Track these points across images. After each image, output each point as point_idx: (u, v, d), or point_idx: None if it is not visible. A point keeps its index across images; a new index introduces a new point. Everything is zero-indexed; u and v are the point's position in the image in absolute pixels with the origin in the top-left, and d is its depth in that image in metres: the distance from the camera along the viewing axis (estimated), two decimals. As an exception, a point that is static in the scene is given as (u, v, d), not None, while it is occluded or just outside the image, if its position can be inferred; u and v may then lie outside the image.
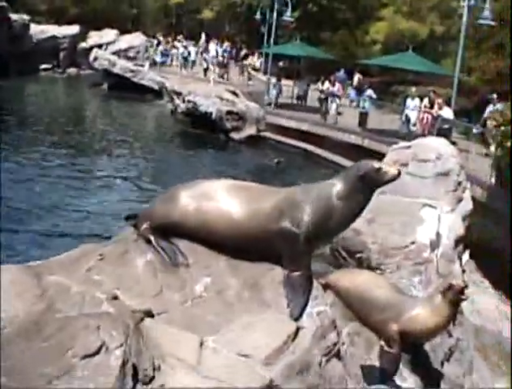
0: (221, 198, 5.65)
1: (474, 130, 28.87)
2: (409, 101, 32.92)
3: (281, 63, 54.20)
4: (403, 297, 7.49)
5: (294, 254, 5.50)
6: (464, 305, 10.77)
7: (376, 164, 5.91)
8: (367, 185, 5.87)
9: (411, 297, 7.66)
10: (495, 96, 30.59)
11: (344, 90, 41.90)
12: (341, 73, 45.86)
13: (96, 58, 52.15)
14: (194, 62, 56.53)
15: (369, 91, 36.18)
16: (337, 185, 5.80)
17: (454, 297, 6.94)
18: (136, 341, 4.24)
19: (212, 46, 60.10)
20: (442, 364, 8.70)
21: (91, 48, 56.31)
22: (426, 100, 32.33)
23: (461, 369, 9.37)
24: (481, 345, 11.59)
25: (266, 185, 6.29)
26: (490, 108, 30.05)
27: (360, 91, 40.14)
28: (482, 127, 28.84)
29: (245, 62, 54.85)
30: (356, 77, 45.35)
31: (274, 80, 42.60)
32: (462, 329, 9.92)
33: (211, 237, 5.62)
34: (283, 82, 43.18)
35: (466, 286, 7.08)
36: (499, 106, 29.17)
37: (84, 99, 49.37)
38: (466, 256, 12.80)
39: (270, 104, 40.62)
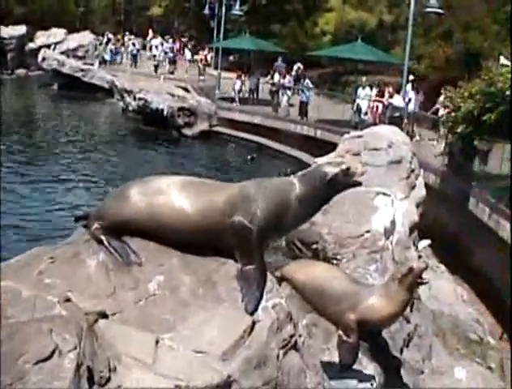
0: (173, 194, 5.56)
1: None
2: (360, 91, 33.10)
3: (231, 57, 54.18)
4: (359, 286, 7.53)
5: (247, 248, 5.45)
6: (421, 290, 10.91)
7: (343, 166, 5.83)
8: (333, 189, 5.86)
9: (366, 286, 7.70)
10: (411, 77, 31.29)
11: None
12: (279, 62, 45.58)
13: (44, 59, 51.70)
14: (164, 62, 55.66)
15: (306, 81, 36.35)
16: (297, 186, 5.74)
17: (414, 280, 6.99)
18: (90, 343, 4.18)
19: (155, 42, 59.82)
20: (401, 350, 8.76)
21: (40, 48, 55.69)
22: (375, 89, 32.66)
23: (420, 354, 9.46)
24: (439, 330, 11.72)
25: (220, 180, 6.25)
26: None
27: (299, 80, 39.96)
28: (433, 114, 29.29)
29: (197, 58, 54.43)
30: (296, 66, 45.00)
31: (232, 75, 42.26)
32: (420, 314, 10.02)
33: (164, 233, 5.53)
34: (233, 75, 43.14)
35: (426, 267, 7.16)
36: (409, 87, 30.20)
37: (34, 100, 48.78)
38: (424, 243, 12.92)
39: (233, 100, 40.20)
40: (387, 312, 7.16)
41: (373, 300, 7.20)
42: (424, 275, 7.10)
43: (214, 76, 46.80)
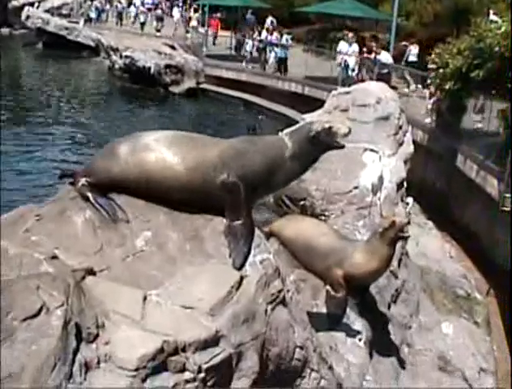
0: (163, 150, 5.48)
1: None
2: (344, 46, 32.23)
3: (218, 14, 53.53)
4: (346, 242, 7.58)
5: (235, 203, 5.44)
6: (409, 246, 10.97)
7: (326, 124, 5.87)
8: (317, 147, 5.87)
9: (353, 242, 7.75)
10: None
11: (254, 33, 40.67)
12: (249, 15, 44.75)
13: (28, 17, 51.07)
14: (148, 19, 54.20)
15: (285, 37, 35.95)
16: (287, 144, 5.76)
17: (395, 234, 7.04)
18: (78, 300, 4.17)
19: None
20: (389, 306, 8.83)
21: (23, 6, 54.86)
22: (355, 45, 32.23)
23: (407, 309, 9.55)
24: (427, 285, 11.80)
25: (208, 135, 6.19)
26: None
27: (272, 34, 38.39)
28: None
29: (189, 15, 53.37)
30: (269, 20, 43.47)
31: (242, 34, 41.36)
32: (408, 270, 10.09)
33: (154, 190, 5.47)
34: (221, 33, 42.63)
35: (408, 222, 7.21)
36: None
37: (19, 59, 48.21)
38: (410, 200, 12.98)
39: (246, 60, 38.34)
40: (370, 267, 7.25)
41: (356, 255, 7.28)
42: (405, 230, 7.17)
43: (201, 33, 46.35)
